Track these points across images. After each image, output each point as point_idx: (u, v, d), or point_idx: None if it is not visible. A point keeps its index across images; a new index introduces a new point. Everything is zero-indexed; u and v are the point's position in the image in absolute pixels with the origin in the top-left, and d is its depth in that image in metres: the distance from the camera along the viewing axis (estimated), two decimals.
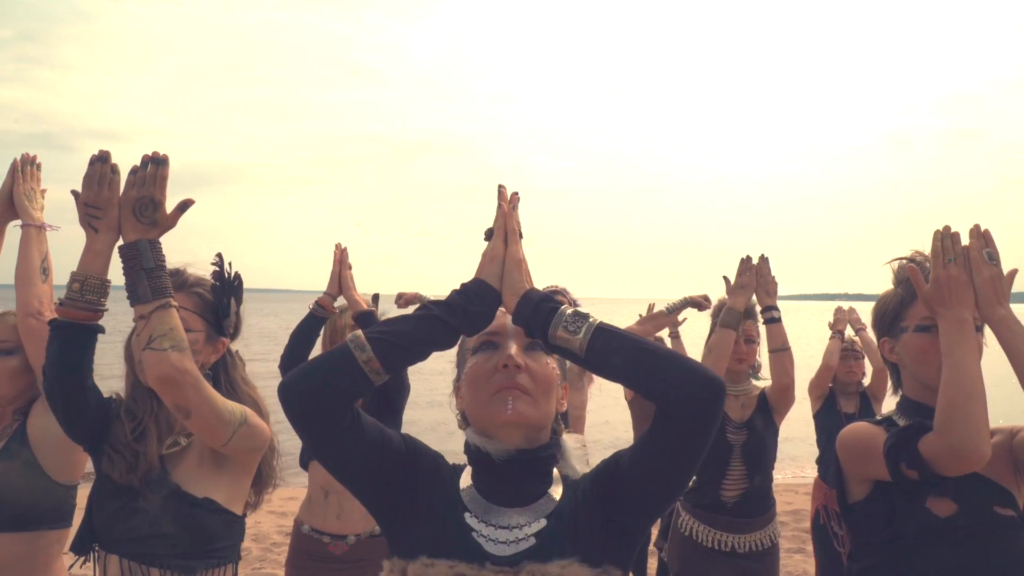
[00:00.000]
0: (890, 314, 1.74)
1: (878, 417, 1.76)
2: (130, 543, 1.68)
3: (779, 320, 3.00)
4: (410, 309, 4.57)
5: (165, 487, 1.69)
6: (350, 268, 3.05)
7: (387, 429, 1.25)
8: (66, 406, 1.68)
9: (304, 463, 2.95)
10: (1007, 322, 1.54)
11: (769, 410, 3.06)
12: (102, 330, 1.69)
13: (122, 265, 1.63)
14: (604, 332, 1.16)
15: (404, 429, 1.80)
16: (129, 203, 1.64)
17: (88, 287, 1.64)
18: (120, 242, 1.66)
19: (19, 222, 2.12)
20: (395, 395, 2.92)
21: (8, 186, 2.13)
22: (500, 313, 1.27)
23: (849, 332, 4.58)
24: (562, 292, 4.10)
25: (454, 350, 1.34)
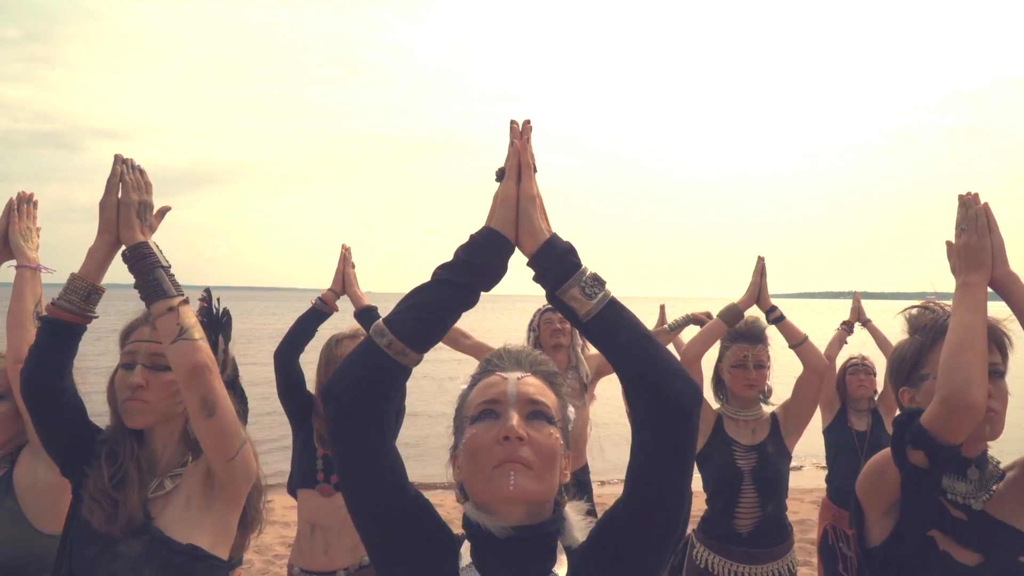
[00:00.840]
0: (909, 362, 1.70)
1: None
2: None
3: (784, 317, 2.98)
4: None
5: (147, 533, 1.60)
6: (353, 267, 3.18)
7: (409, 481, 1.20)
8: (39, 405, 1.65)
9: (292, 490, 2.93)
10: (1015, 278, 1.59)
11: (781, 434, 2.98)
12: (82, 330, 1.66)
13: (135, 265, 1.61)
14: (617, 306, 1.15)
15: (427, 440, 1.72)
16: (132, 206, 1.63)
17: (72, 288, 1.63)
18: (121, 245, 1.65)
19: (14, 263, 2.05)
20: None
21: (3, 225, 2.06)
22: (499, 379, 1.20)
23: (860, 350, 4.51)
24: None
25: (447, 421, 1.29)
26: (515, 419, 1.13)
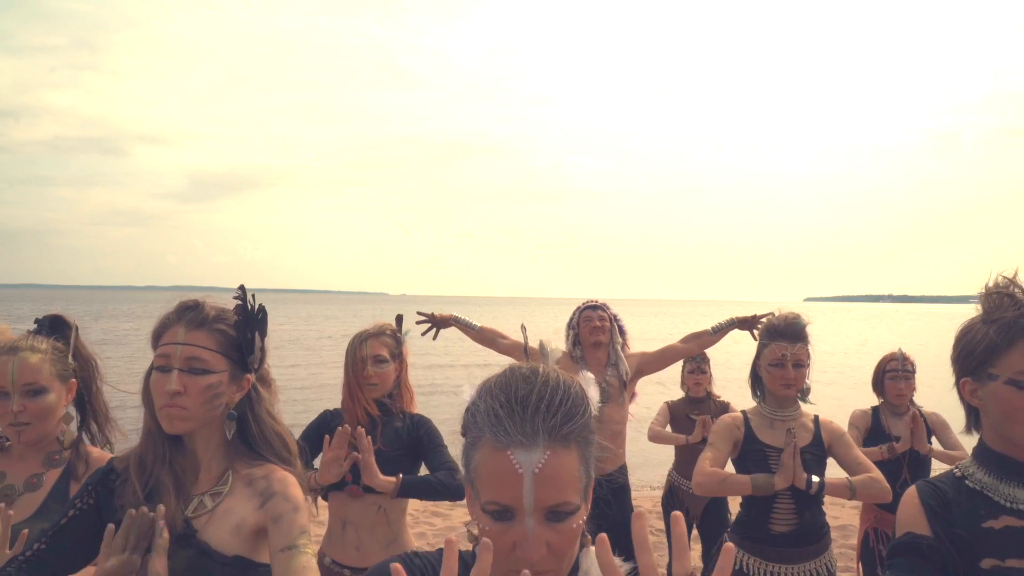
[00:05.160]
0: (978, 357, 1.55)
1: (952, 471, 1.62)
2: None
3: (824, 484, 2.74)
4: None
5: (192, 546, 1.55)
6: (369, 451, 2.65)
7: None
8: None
9: (324, 494, 2.92)
10: None
11: (823, 444, 2.86)
12: None
13: None
14: None
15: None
16: None
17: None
18: None
19: None
20: (427, 451, 2.85)
21: None
22: (513, 473, 1.01)
23: (904, 350, 4.22)
24: (602, 307, 4.02)
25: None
26: (533, 536, 1.01)
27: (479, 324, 4.10)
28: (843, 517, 6.85)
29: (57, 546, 1.58)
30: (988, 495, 1.51)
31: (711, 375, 4.86)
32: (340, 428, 2.63)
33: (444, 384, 17.79)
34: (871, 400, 4.26)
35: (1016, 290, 1.53)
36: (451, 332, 4.24)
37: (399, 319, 3.11)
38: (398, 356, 2.96)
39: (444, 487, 2.71)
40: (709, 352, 4.55)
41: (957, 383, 1.61)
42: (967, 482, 1.55)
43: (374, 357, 2.87)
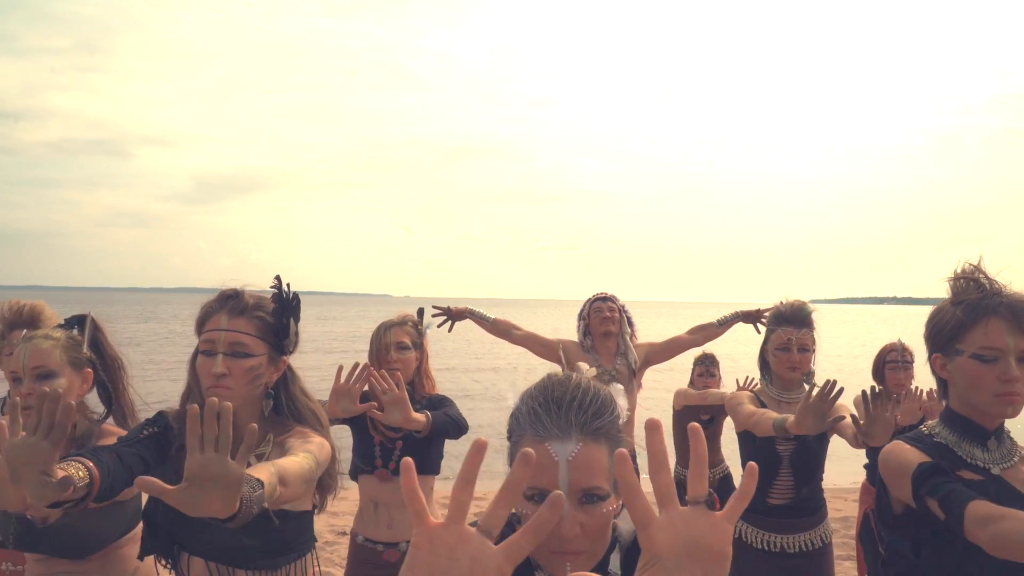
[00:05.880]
0: (946, 334, 1.72)
1: (920, 429, 1.79)
2: (212, 551, 1.73)
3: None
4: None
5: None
6: (394, 390, 2.61)
7: None
8: None
9: (353, 475, 3.05)
10: None
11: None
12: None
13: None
14: None
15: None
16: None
17: None
18: None
19: None
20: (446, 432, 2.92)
21: None
22: (550, 460, 1.11)
23: (903, 340, 4.31)
24: (612, 298, 4.16)
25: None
26: (568, 516, 1.10)
27: (493, 316, 4.24)
28: (845, 509, 6.96)
29: (138, 451, 1.67)
30: (952, 449, 1.70)
31: (720, 378, 5.00)
32: (359, 363, 2.63)
33: (473, 389, 17.86)
34: None
35: (980, 275, 1.71)
36: (470, 334, 4.33)
37: (420, 312, 3.26)
38: (419, 345, 3.12)
39: (459, 419, 2.90)
40: (722, 355, 4.65)
41: (929, 359, 1.80)
42: (935, 438, 1.73)
43: (397, 344, 3.02)
